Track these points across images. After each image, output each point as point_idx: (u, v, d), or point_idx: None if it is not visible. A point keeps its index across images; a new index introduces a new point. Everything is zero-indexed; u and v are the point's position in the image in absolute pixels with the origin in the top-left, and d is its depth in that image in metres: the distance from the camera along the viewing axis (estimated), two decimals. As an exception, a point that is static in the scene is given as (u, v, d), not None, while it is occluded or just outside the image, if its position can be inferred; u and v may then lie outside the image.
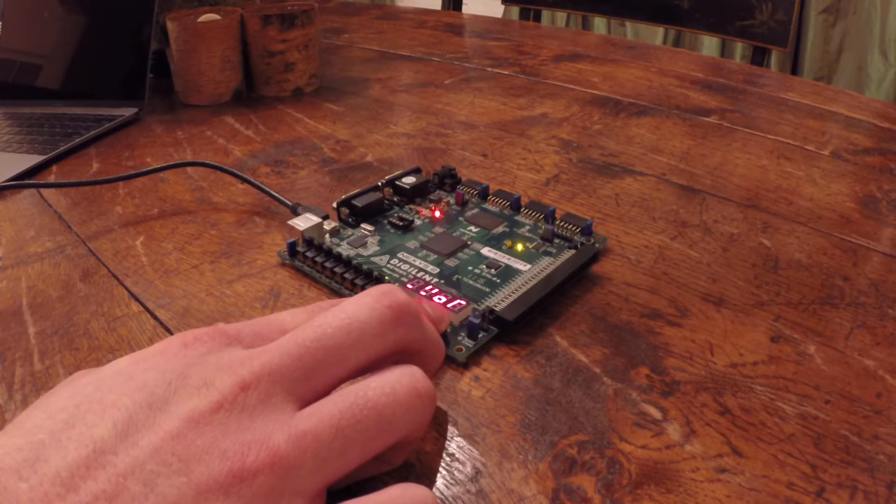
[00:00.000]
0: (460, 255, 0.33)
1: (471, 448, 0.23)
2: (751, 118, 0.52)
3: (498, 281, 0.31)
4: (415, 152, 0.48)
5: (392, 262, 0.32)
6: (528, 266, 0.32)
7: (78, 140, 0.50)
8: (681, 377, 0.26)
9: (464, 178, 0.41)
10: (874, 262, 0.33)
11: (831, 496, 0.21)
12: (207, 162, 0.41)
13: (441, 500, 0.21)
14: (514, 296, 0.29)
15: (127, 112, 0.56)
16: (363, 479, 0.21)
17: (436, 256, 0.33)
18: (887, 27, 1.67)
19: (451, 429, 0.23)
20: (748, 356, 0.27)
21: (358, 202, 0.36)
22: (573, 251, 0.32)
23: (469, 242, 0.34)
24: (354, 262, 0.31)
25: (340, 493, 0.18)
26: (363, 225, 0.36)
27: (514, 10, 2.05)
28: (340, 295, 0.31)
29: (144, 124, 0.55)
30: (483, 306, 0.29)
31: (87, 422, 0.16)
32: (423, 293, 0.29)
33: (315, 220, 0.34)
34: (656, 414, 0.24)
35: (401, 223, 0.35)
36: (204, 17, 0.57)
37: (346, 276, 0.30)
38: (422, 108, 0.57)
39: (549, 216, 0.34)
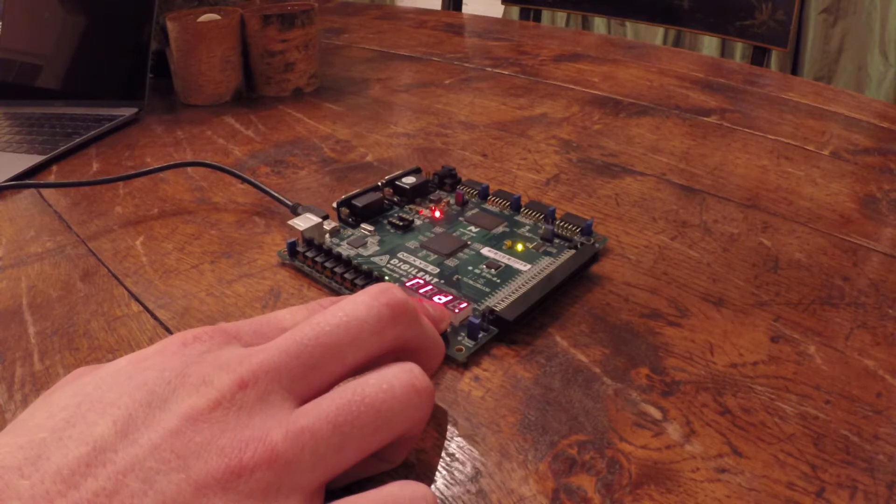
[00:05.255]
0: (460, 255, 0.33)
1: (471, 448, 0.23)
2: (751, 118, 0.52)
3: (498, 281, 0.31)
4: (415, 152, 0.48)
5: (392, 262, 0.32)
6: (528, 266, 0.32)
7: (78, 140, 0.50)
8: (681, 377, 0.26)
9: (464, 178, 0.41)
10: (874, 262, 0.33)
11: (831, 496, 0.21)
12: (207, 162, 0.41)
13: (441, 500, 0.21)
14: (514, 296, 0.29)
15: (127, 112, 0.56)
16: (363, 479, 0.21)
17: (436, 256, 0.33)
18: (887, 27, 1.67)
19: (451, 429, 0.23)
20: (748, 356, 0.27)
21: (358, 202, 0.36)
22: (573, 251, 0.32)
23: (469, 242, 0.34)
24: (354, 262, 0.31)
25: (340, 492, 0.18)
26: (363, 225, 0.36)
27: (514, 10, 2.05)
28: (340, 295, 0.31)
29: (144, 124, 0.55)
30: (483, 306, 0.29)
31: (87, 420, 0.16)
32: (422, 293, 0.29)
33: (315, 220, 0.34)
34: (656, 414, 0.24)
35: (401, 223, 0.35)
36: (204, 17, 0.57)
37: (346, 276, 0.30)
38: (422, 108, 0.57)
39: (549, 216, 0.34)
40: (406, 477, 0.21)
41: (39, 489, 0.15)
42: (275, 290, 0.32)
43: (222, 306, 0.31)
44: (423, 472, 0.22)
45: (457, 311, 0.28)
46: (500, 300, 0.29)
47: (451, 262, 0.32)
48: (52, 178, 0.46)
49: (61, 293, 0.32)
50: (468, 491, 0.21)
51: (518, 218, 0.36)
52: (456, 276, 0.31)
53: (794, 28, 0.93)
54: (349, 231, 0.35)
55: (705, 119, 0.53)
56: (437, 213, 0.37)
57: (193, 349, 0.19)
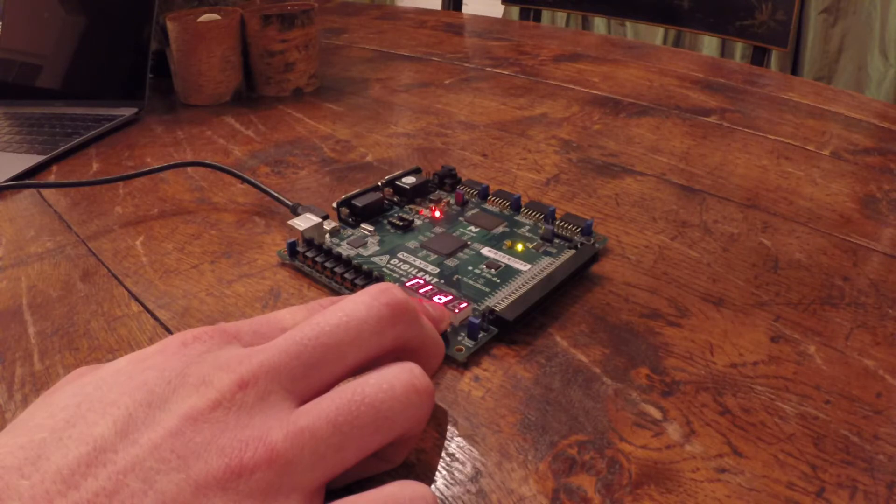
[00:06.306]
0: (460, 255, 0.33)
1: (471, 448, 0.23)
2: (751, 118, 0.52)
3: (498, 281, 0.31)
4: (415, 152, 0.48)
5: (392, 262, 0.32)
6: (528, 266, 0.32)
7: (78, 140, 0.50)
8: (681, 377, 0.26)
9: (464, 178, 0.41)
10: (874, 262, 0.33)
11: (831, 496, 0.21)
12: (207, 162, 0.41)
13: (441, 500, 0.21)
14: (514, 296, 0.29)
15: (127, 112, 0.56)
16: (363, 479, 0.21)
17: (436, 256, 0.33)
18: (887, 27, 1.67)
19: (450, 429, 0.23)
20: (748, 356, 0.27)
21: (358, 202, 0.36)
22: (573, 251, 0.32)
23: (469, 242, 0.34)
24: (354, 262, 0.31)
25: (340, 491, 0.18)
26: (363, 225, 0.36)
27: (514, 10, 2.05)
28: (340, 295, 0.31)
29: (144, 124, 0.55)
30: (483, 306, 0.29)
31: (87, 420, 0.16)
32: (422, 293, 0.29)
33: (315, 220, 0.34)
34: (656, 414, 0.24)
35: (401, 223, 0.35)
36: (204, 17, 0.57)
37: (346, 276, 0.30)
38: (422, 108, 0.57)
39: (549, 216, 0.34)
40: (406, 477, 0.21)
41: (39, 489, 0.15)
42: (275, 290, 0.32)
43: (222, 306, 0.31)
44: (423, 472, 0.22)
45: (457, 311, 0.28)
46: (500, 300, 0.29)
47: (451, 262, 0.32)
48: (52, 178, 0.46)
49: (61, 293, 0.32)
50: (468, 491, 0.21)
51: (518, 218, 0.36)
52: (456, 276, 0.31)
53: (794, 28, 0.93)
54: (349, 231, 0.35)
55: (705, 119, 0.53)
56: (437, 213, 0.37)
57: (193, 349, 0.19)
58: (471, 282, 0.31)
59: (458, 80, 0.65)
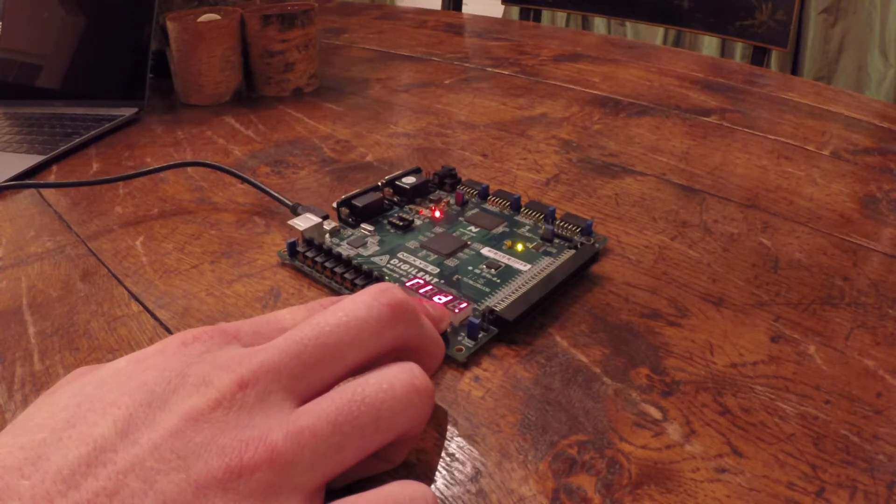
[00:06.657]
0: (460, 255, 0.33)
1: (471, 448, 0.23)
2: (751, 118, 0.52)
3: (498, 281, 0.31)
4: (415, 152, 0.48)
5: (392, 262, 0.32)
6: (528, 266, 0.32)
7: (78, 140, 0.50)
8: (681, 377, 0.26)
9: (464, 178, 0.41)
10: (874, 262, 0.33)
11: (831, 496, 0.21)
12: (207, 162, 0.41)
13: (441, 500, 0.21)
14: (514, 296, 0.29)
15: (127, 112, 0.56)
16: (363, 479, 0.21)
17: (436, 256, 0.33)
18: (887, 27, 1.67)
19: (450, 429, 0.23)
20: (748, 356, 0.27)
21: (358, 202, 0.36)
22: (573, 251, 0.32)
23: (469, 242, 0.34)
24: (354, 262, 0.31)
25: (340, 491, 0.18)
26: (363, 225, 0.36)
27: (514, 10, 2.05)
28: (340, 295, 0.31)
29: (144, 124, 0.55)
30: (483, 306, 0.29)
31: (87, 420, 0.16)
32: (422, 293, 0.29)
33: (315, 220, 0.34)
34: (656, 414, 0.24)
35: (401, 223, 0.35)
36: (204, 17, 0.57)
37: (346, 276, 0.30)
38: (422, 108, 0.57)
39: (549, 216, 0.35)
40: (406, 477, 0.21)
41: (40, 489, 0.15)
42: (275, 290, 0.32)
43: (222, 306, 0.31)
44: (423, 472, 0.22)
45: (457, 311, 0.28)
46: (500, 300, 0.29)
47: (451, 262, 0.32)
48: (52, 178, 0.46)
49: (61, 293, 0.32)
50: (468, 491, 0.21)
51: (518, 218, 0.36)
52: (456, 276, 0.31)
53: (794, 28, 0.93)
54: (349, 231, 0.35)
55: (705, 119, 0.53)
56: (437, 213, 0.37)
57: (193, 349, 0.19)
58: (471, 282, 0.31)
59: (458, 80, 0.65)
